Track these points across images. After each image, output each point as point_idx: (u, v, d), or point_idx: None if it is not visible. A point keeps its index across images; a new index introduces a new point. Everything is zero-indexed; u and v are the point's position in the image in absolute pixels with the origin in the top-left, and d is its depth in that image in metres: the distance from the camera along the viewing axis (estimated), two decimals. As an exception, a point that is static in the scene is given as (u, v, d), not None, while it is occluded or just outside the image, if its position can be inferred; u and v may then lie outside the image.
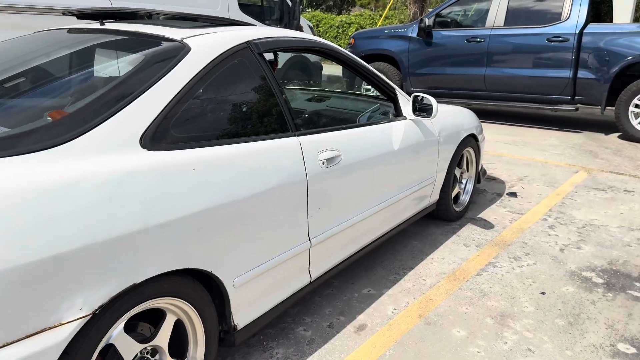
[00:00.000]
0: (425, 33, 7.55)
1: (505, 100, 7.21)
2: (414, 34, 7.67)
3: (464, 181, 3.66)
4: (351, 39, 8.50)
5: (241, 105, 1.89)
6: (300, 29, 6.95)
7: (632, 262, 2.98)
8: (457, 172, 3.51)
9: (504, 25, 7.01)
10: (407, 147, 2.74)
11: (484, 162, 5.15)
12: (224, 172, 1.67)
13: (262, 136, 1.89)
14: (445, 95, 7.72)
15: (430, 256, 3.02)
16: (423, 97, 2.78)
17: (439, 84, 7.65)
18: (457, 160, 3.38)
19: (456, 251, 3.09)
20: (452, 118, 3.32)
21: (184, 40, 1.85)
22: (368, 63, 8.18)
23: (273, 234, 1.88)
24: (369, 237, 2.58)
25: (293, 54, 6.92)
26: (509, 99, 7.17)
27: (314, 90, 3.65)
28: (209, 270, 1.64)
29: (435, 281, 2.73)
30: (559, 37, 6.53)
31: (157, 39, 1.89)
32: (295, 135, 2.03)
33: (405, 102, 2.88)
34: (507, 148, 5.77)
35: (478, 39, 7.13)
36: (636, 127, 6.22)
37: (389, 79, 7.85)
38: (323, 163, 2.10)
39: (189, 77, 1.73)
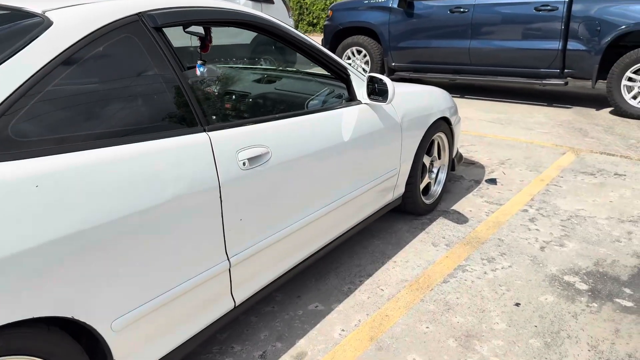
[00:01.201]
0: (407, 3, 7.07)
1: (491, 75, 6.79)
2: (395, 5, 7.19)
3: (435, 170, 3.28)
4: (329, 11, 8.00)
5: (124, 95, 1.48)
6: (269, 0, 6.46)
7: (621, 262, 2.62)
8: (427, 160, 3.13)
9: (489, -6, 6.54)
10: (362, 136, 2.34)
11: (463, 144, 4.77)
12: (91, 185, 1.28)
13: (153, 134, 1.49)
14: (429, 70, 7.29)
15: (392, 259, 2.65)
16: (379, 78, 2.37)
17: (422, 58, 7.21)
18: (425, 147, 2.99)
19: (423, 252, 2.73)
20: (419, 100, 2.92)
21: (45, 13, 1.43)
22: (347, 36, 7.73)
23: (171, 258, 1.50)
24: (316, 245, 2.21)
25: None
26: (494, 73, 6.75)
27: (268, 70, 3.23)
28: (70, 315, 1.26)
29: (394, 291, 2.36)
30: (547, 5, 6.09)
31: (15, 13, 1.47)
32: (204, 131, 1.63)
33: (361, 84, 2.47)
34: (490, 127, 5.38)
35: (462, 9, 6.67)
36: (629, 101, 5.84)
37: (369, 53, 7.41)
38: (244, 164, 1.71)
39: (44, 61, 1.32)
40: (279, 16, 6.66)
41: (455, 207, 3.32)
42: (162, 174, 1.46)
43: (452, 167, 3.45)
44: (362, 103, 2.45)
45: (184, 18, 1.72)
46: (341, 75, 2.43)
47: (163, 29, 1.66)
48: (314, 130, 2.07)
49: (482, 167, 4.12)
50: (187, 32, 2.58)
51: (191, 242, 1.55)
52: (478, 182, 3.77)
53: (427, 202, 3.16)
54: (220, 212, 1.63)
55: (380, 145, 2.49)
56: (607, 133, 5.16)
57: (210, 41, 2.55)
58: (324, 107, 2.25)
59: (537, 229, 2.99)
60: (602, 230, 2.99)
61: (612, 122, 5.66)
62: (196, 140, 1.59)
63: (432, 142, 3.17)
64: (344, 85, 2.49)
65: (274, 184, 1.84)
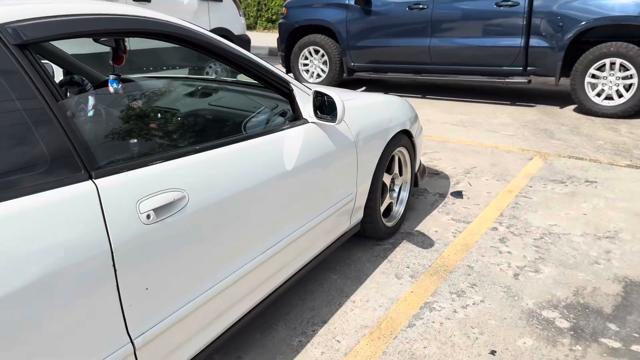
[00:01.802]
0: (364, 0, 6.74)
1: (452, 74, 6.55)
2: (352, 2, 6.86)
3: (396, 189, 2.96)
4: (283, 8, 7.62)
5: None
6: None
7: (603, 290, 2.35)
8: (387, 178, 2.80)
9: (449, -10, 6.28)
10: (309, 162, 1.99)
11: (426, 151, 4.48)
12: None
13: (10, 191, 1.10)
14: (389, 69, 7.00)
15: (351, 298, 2.31)
16: (326, 94, 2.02)
17: (381, 58, 6.91)
18: (385, 165, 2.66)
19: (385, 287, 2.40)
20: (376, 113, 2.58)
21: None
22: (303, 35, 7.36)
23: (41, 350, 1.11)
24: (257, 296, 1.84)
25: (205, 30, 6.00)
26: (456, 72, 6.51)
27: (202, 81, 2.82)
28: None
29: (353, 342, 2.02)
30: (508, 1, 5.86)
31: None
32: (90, 178, 1.25)
33: (307, 100, 2.12)
34: (453, 130, 5.11)
35: (420, 6, 6.39)
36: (593, 99, 5.67)
37: (327, 53, 7.07)
38: (148, 216, 1.33)
39: None
40: (228, 14, 6.25)
41: (420, 227, 3.01)
42: (22, 247, 1.07)
43: (415, 182, 3.13)
44: (308, 122, 2.09)
45: (63, 30, 1.33)
46: (282, 90, 2.06)
47: (33, 44, 1.26)
48: (247, 161, 1.71)
49: (446, 177, 3.83)
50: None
51: (75, 329, 1.17)
52: (443, 196, 3.47)
53: (389, 224, 2.83)
54: (114, 284, 1.25)
55: (332, 169, 2.15)
56: (574, 134, 4.96)
57: (125, 51, 2.15)
58: (260, 131, 1.88)
59: (509, 252, 2.71)
60: (578, 249, 2.73)
61: (577, 121, 5.48)
62: (76, 192, 1.20)
63: (393, 158, 2.85)
64: (287, 102, 2.12)
65: (194, 236, 1.47)
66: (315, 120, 2.08)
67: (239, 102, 2.47)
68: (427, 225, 3.03)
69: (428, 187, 3.63)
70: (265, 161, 1.78)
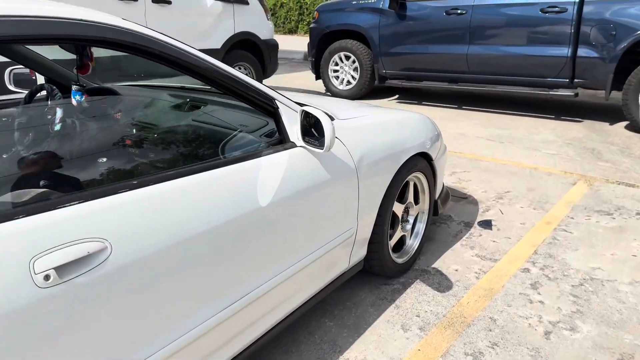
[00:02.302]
0: (398, 4, 6.37)
1: (491, 83, 6.09)
2: (386, 6, 6.49)
3: (410, 219, 2.58)
4: (315, 12, 7.32)
5: None
6: None
7: (656, 360, 1.92)
8: (399, 208, 2.43)
9: (490, -6, 5.83)
10: (291, 196, 1.65)
11: (455, 170, 4.06)
12: None
13: None
14: (423, 77, 6.59)
15: (344, 355, 1.96)
16: (314, 115, 1.67)
17: (415, 65, 6.51)
18: (396, 193, 2.30)
19: (387, 342, 2.03)
20: (386, 134, 2.22)
21: None
22: (335, 40, 7.04)
23: None
24: None
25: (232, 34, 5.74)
26: (495, 82, 6.04)
27: (187, 92, 2.52)
28: None
29: (337, 415, 1.67)
30: (555, 6, 5.37)
31: None
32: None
33: (296, 120, 1.78)
34: (489, 147, 4.67)
35: (459, 11, 5.96)
36: (648, 116, 5.11)
37: (358, 60, 6.73)
38: (46, 277, 1.02)
39: None
40: (255, 18, 5.98)
41: (438, 264, 2.62)
42: None
43: (434, 211, 2.75)
44: (296, 146, 1.75)
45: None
46: (266, 109, 1.73)
47: None
48: (207, 197, 1.39)
49: (475, 202, 3.41)
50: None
51: None
52: (469, 226, 3.06)
53: (400, 261, 2.46)
54: (-10, 371, 0.95)
55: (324, 202, 1.80)
56: (625, 155, 4.44)
57: (91, 59, 1.87)
58: (227, 159, 1.56)
59: (540, 301, 2.29)
60: (625, 302, 2.29)
61: (629, 139, 4.94)
62: None
63: (407, 184, 2.47)
64: (273, 122, 1.79)
65: (117, 299, 1.15)
66: (303, 144, 1.74)
67: (213, 119, 2.15)
68: (447, 262, 2.64)
69: (452, 214, 3.23)
70: (230, 196, 1.46)
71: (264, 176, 1.59)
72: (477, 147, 4.68)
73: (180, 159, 1.84)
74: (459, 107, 6.46)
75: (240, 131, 1.85)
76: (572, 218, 3.16)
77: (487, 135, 5.10)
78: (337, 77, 7.15)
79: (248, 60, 6.04)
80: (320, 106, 2.23)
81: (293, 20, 19.43)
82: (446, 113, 6.15)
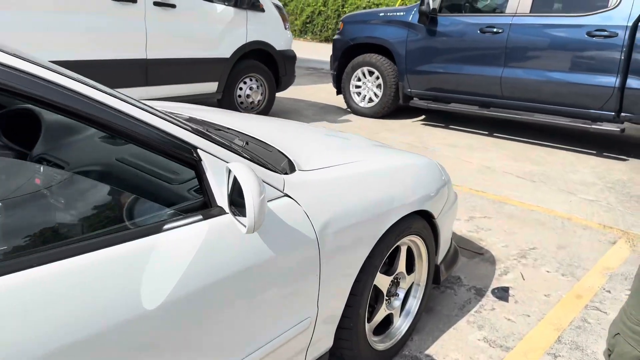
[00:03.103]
0: (428, 18, 5.83)
1: (526, 111, 5.48)
2: (415, 20, 5.97)
3: (400, 293, 2.05)
4: (340, 23, 6.85)
5: None
6: (257, 6, 5.35)
7: None
8: (385, 281, 1.91)
9: (530, 12, 5.26)
10: (205, 288, 1.17)
11: (474, 214, 3.51)
12: None
13: None
14: (451, 99, 6.03)
15: None
16: (241, 176, 1.18)
17: (443, 86, 5.96)
18: (379, 264, 1.79)
19: None
20: (366, 191, 1.72)
21: None
22: (359, 54, 6.56)
23: None
24: None
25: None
26: (531, 110, 5.44)
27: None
28: None
29: None
30: (604, 30, 4.75)
31: None
32: None
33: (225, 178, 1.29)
34: (518, 187, 4.09)
35: (495, 29, 5.40)
36: None
37: (382, 76, 6.25)
38: None
39: None
40: (271, 27, 5.55)
41: (434, 349, 2.09)
42: None
43: (435, 278, 2.23)
44: (226, 213, 1.27)
45: None
46: (184, 160, 1.25)
47: None
48: (69, 295, 0.92)
49: (492, 261, 2.86)
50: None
51: None
52: (481, 293, 2.52)
53: (382, 347, 1.94)
54: None
55: (263, 290, 1.32)
56: (678, 207, 3.79)
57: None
58: (107, 239, 1.08)
59: (561, 421, 1.74)
60: None
61: (683, 187, 4.28)
62: None
63: (397, 249, 1.96)
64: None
65: None
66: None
67: (116, 169, 1.62)
68: (446, 347, 2.11)
69: (463, 275, 2.69)
70: (106, 294, 0.99)
71: (162, 262, 1.11)
72: (504, 185, 4.10)
73: (38, 238, 1.32)
74: (490, 134, 5.88)
75: (139, 195, 1.36)
76: (608, 292, 2.58)
77: (518, 170, 4.51)
78: (358, 94, 6.65)
79: (260, 72, 5.61)
80: (290, 146, 1.75)
81: (330, 28, 19.03)
82: (475, 140, 5.58)
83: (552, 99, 5.18)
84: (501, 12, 5.51)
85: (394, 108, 6.51)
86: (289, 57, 5.91)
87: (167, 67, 4.67)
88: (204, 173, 1.25)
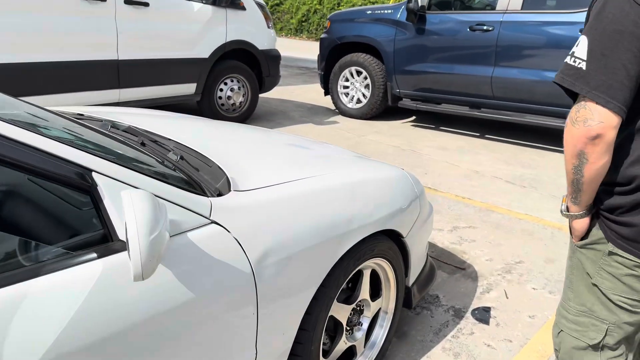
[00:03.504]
0: (417, 16, 5.62)
1: (518, 112, 5.27)
2: (403, 18, 5.76)
3: (364, 322, 1.85)
4: (327, 22, 6.64)
5: None
6: (237, 4, 5.14)
7: None
8: (344, 311, 1.71)
9: (522, 9, 5.05)
10: (97, 344, 0.96)
11: (458, 224, 3.30)
12: None
13: None
14: (441, 100, 5.81)
15: None
16: (128, 209, 0.97)
17: (433, 86, 5.75)
18: (335, 294, 1.59)
19: None
20: (317, 211, 1.51)
21: None
22: (346, 54, 6.35)
23: None
24: None
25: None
26: (523, 110, 5.23)
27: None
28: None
29: None
30: (598, 28, 4.53)
31: None
32: None
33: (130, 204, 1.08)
34: (506, 193, 3.88)
35: (485, 27, 5.19)
36: None
37: (370, 76, 6.06)
38: None
39: None
40: (253, 26, 5.33)
41: (403, 382, 1.89)
42: None
43: (407, 302, 2.02)
44: (121, 250, 1.06)
45: None
46: (76, 186, 1.05)
47: None
48: None
49: (475, 277, 2.66)
50: None
51: None
52: (460, 315, 2.32)
53: (341, 385, 1.74)
54: None
55: (176, 342, 1.11)
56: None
57: None
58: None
59: None
60: None
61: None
62: None
63: (360, 274, 1.76)
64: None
65: None
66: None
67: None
68: (416, 380, 1.90)
69: (442, 293, 2.49)
70: None
71: (35, 314, 0.90)
72: (492, 191, 3.89)
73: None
74: (481, 136, 5.67)
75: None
76: (600, 312, 2.37)
77: (508, 174, 4.30)
78: (346, 94, 6.44)
79: (241, 72, 5.40)
80: (237, 161, 1.55)
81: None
82: (465, 142, 5.37)
83: (545, 99, 4.97)
84: (492, 10, 5.29)
85: (383, 109, 6.30)
86: (273, 57, 5.70)
87: (140, 69, 4.46)
88: (101, 200, 1.05)
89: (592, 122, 1.08)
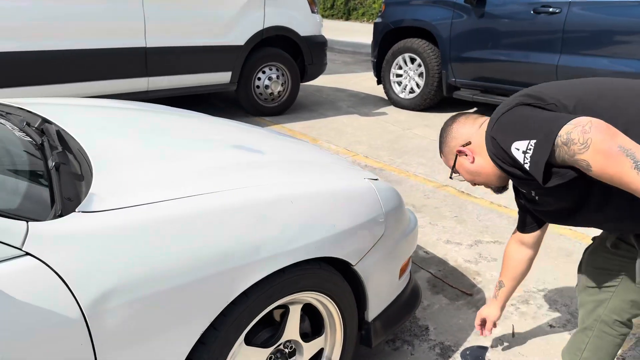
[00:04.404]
0: (476, -2, 5.07)
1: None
2: (461, 0, 5.22)
3: (291, 369, 1.53)
4: (382, 5, 6.22)
5: None
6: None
7: None
8: (259, 355, 1.41)
9: (595, -13, 4.37)
10: None
11: (477, 242, 2.85)
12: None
13: None
14: (502, 91, 5.23)
15: None
16: None
17: (492, 75, 5.18)
18: (233, 339, 1.30)
19: None
20: (202, 235, 1.21)
21: None
22: (400, 39, 5.92)
23: None
24: None
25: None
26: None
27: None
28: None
29: None
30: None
31: None
32: None
33: None
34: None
35: (551, 9, 4.56)
36: None
37: (424, 63, 5.65)
38: None
39: None
40: (294, 10, 5.03)
41: None
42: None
43: (366, 341, 1.68)
44: None
45: None
46: None
47: None
48: None
49: (481, 306, 2.24)
50: None
51: None
52: (446, 355, 1.93)
53: None
54: None
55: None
56: None
57: None
58: None
59: None
60: None
61: None
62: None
63: (286, 311, 1.45)
64: None
65: None
66: None
67: None
68: None
69: (433, 324, 2.11)
70: None
71: None
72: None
73: None
74: (545, 132, 5.03)
75: None
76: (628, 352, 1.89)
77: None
78: (399, 83, 6.00)
79: (281, 60, 5.15)
80: (139, 165, 1.32)
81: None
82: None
83: (619, 92, 4.27)
84: (559, -11, 4.64)
85: (438, 100, 5.80)
86: (317, 44, 5.39)
87: (169, 56, 4.34)
88: None
89: None
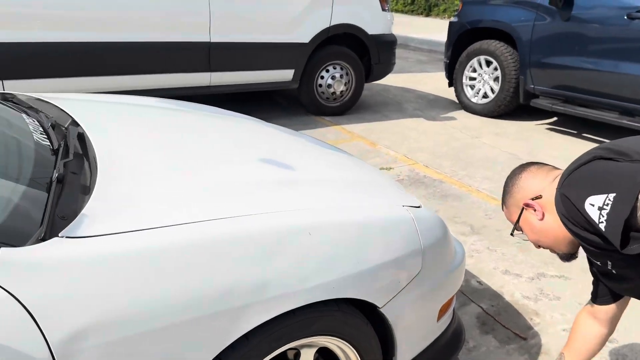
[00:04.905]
0: (563, 0, 4.64)
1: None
2: (546, 2, 4.80)
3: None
4: (459, 4, 5.88)
5: None
6: None
7: None
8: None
9: None
10: None
11: (537, 273, 2.55)
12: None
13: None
14: (585, 102, 4.79)
15: None
16: None
17: (576, 84, 4.75)
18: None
19: None
20: (195, 271, 1.07)
21: None
22: (476, 40, 5.58)
23: None
24: None
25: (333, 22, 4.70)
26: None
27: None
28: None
29: None
30: None
31: None
32: None
33: None
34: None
35: (648, 14, 4.08)
36: None
37: (501, 67, 5.30)
38: None
39: None
40: (364, 8, 4.81)
41: None
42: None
43: (391, 389, 1.50)
44: None
45: None
46: None
47: None
48: None
49: (535, 353, 1.98)
50: None
51: None
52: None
53: None
54: None
55: None
56: None
57: None
58: None
59: None
60: None
61: None
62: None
63: (297, 352, 1.29)
64: None
65: None
66: None
67: None
68: None
69: (478, 370, 1.87)
70: None
71: None
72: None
73: None
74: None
75: None
76: None
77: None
78: (472, 87, 5.66)
79: (346, 59, 4.97)
80: (144, 185, 1.22)
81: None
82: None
83: None
84: (659, -9, 4.15)
85: (514, 107, 5.41)
86: (386, 43, 5.16)
87: (233, 52, 4.29)
88: None
89: None
